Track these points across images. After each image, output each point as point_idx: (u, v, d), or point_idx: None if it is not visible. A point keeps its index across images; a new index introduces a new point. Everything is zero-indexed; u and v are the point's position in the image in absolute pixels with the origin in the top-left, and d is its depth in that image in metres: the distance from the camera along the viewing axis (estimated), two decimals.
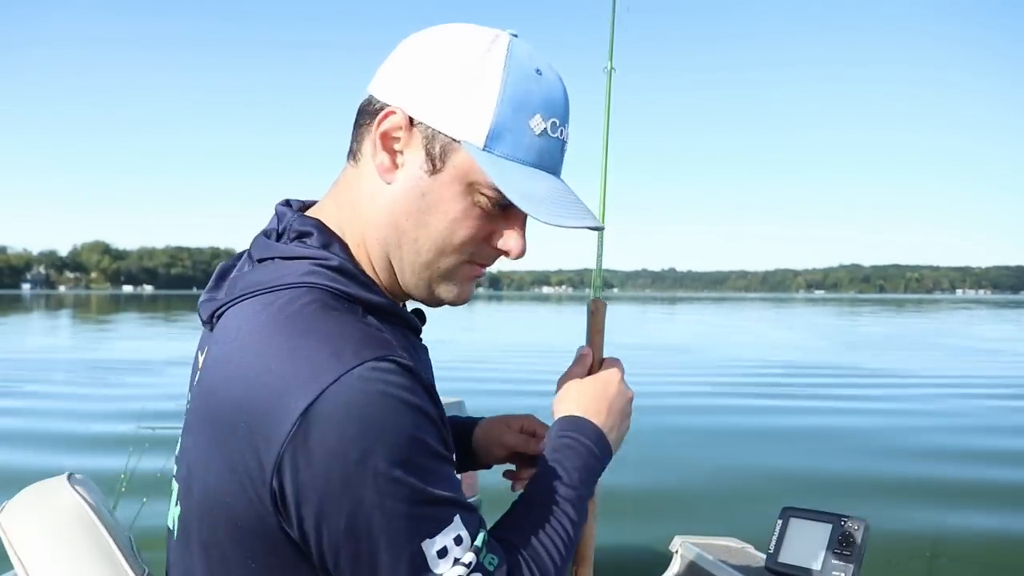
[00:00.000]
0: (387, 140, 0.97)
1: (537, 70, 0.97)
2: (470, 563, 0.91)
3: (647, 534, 3.47)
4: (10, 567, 1.72)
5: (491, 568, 0.93)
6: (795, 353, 17.27)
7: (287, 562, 0.92)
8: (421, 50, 0.97)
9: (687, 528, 2.42)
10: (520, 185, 0.94)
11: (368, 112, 0.99)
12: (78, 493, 1.12)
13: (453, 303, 1.05)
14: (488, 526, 0.99)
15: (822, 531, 1.74)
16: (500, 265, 1.09)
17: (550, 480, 1.08)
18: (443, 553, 0.90)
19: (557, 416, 1.17)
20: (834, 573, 1.67)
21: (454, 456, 1.00)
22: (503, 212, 0.99)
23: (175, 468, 1.04)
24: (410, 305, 1.13)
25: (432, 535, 0.89)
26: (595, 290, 1.28)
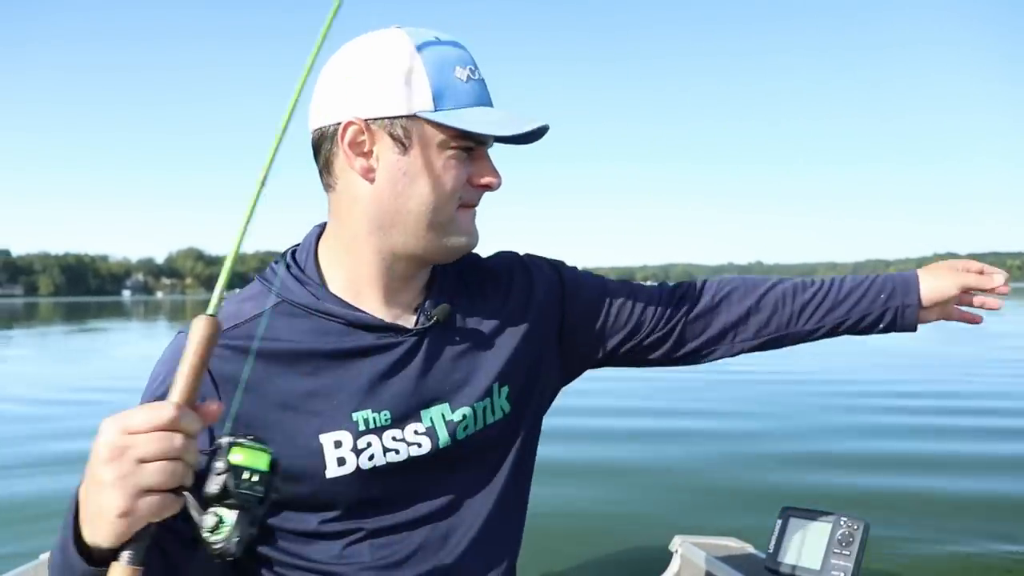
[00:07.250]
0: (355, 147, 1.11)
1: (436, 38, 1.13)
2: None
3: (647, 534, 3.43)
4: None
5: None
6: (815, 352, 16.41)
7: None
8: (344, 68, 1.13)
9: (687, 528, 2.43)
10: (474, 120, 1.10)
11: (325, 141, 1.14)
12: None
13: (468, 246, 1.20)
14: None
15: (821, 531, 1.73)
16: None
17: None
18: None
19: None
20: (833, 573, 1.67)
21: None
22: (470, 155, 1.15)
23: None
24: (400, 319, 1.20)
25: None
26: None
